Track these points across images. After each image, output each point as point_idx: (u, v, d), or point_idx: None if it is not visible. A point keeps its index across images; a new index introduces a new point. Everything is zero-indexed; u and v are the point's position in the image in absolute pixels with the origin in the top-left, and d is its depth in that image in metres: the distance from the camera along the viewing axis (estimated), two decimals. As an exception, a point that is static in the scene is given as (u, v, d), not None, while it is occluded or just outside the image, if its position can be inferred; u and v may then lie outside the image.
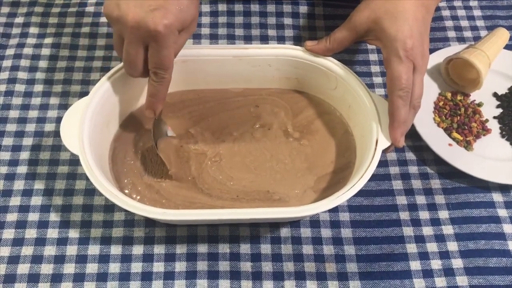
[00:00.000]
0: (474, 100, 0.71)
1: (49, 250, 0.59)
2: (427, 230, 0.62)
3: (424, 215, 0.63)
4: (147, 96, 0.57)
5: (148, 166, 0.61)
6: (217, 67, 0.64)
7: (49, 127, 0.68)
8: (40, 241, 0.60)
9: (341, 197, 0.52)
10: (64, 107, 0.69)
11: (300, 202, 0.59)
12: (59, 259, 0.58)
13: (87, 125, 0.56)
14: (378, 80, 0.73)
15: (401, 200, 0.64)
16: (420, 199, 0.64)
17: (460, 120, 0.68)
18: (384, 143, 0.56)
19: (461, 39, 0.78)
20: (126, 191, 0.59)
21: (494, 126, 0.69)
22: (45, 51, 0.75)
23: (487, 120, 0.69)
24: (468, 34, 0.78)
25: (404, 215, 0.62)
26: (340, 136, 0.64)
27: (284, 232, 0.61)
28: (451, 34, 0.78)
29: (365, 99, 0.59)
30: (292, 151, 0.63)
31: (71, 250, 0.59)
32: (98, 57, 0.74)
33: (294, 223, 0.61)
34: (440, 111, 0.69)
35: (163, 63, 0.53)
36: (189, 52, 0.62)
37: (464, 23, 0.79)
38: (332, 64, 0.62)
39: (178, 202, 0.59)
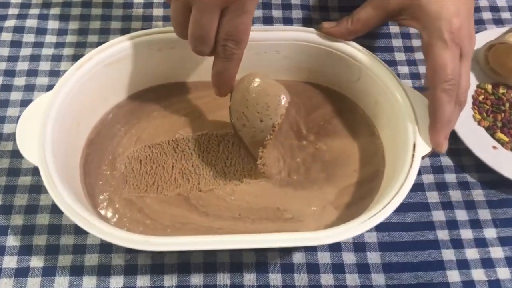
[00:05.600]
0: (520, 94, 0.62)
1: (5, 284, 0.49)
2: (472, 253, 0.53)
3: (466, 234, 0.54)
4: (212, 73, 0.49)
5: (130, 177, 0.51)
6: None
7: (8, 128, 0.58)
8: (-6, 272, 0.49)
9: (373, 218, 0.43)
10: (27, 103, 0.57)
11: (318, 222, 0.50)
12: (18, 296, 0.48)
13: (50, 128, 0.47)
14: (404, 70, 0.64)
15: (438, 215, 0.55)
16: (461, 215, 0.55)
17: (505, 118, 0.60)
18: (424, 148, 0.47)
19: (498, 21, 0.69)
20: (102, 211, 0.49)
21: (545, 124, 0.60)
22: (6, 36, 0.65)
23: (536, 118, 0.60)
24: (506, 15, 0.70)
25: (442, 235, 0.54)
26: (364, 139, 0.55)
27: (298, 257, 0.52)
28: (487, 15, 0.70)
29: (397, 94, 0.51)
30: (306, 157, 0.54)
31: (33, 283, 0.49)
32: (70, 43, 0.64)
33: (310, 247, 0.52)
34: (480, 107, 0.61)
35: (238, 33, 0.45)
36: (176, 36, 0.50)
37: (501, 2, 0.71)
38: (355, 50, 0.53)
39: (166, 223, 0.49)
